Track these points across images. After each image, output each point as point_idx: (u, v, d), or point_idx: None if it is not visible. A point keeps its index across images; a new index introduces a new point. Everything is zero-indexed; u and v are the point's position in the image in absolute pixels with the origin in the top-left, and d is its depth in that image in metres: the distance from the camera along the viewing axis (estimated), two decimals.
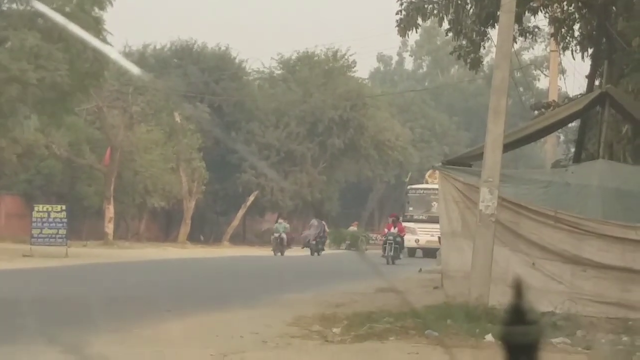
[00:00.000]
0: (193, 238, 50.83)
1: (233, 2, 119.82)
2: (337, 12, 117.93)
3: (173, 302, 14.90)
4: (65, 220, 31.51)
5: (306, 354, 9.98)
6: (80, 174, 46.34)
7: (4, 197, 45.22)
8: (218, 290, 19.30)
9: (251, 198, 54.42)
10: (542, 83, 63.27)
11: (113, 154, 44.49)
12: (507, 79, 13.43)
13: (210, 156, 50.89)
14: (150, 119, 47.33)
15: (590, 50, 19.61)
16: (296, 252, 42.64)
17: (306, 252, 42.29)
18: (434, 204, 40.22)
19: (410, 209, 43.41)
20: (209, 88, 53.99)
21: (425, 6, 18.42)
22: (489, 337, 10.54)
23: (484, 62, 25.20)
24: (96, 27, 30.92)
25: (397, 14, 18.52)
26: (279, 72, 60.44)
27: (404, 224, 41.51)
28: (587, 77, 19.72)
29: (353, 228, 52.74)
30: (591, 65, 19.38)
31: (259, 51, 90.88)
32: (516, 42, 18.10)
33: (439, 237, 18.54)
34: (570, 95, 25.63)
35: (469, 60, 19.33)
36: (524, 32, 19.91)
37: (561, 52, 22.32)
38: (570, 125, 24.27)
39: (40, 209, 32.06)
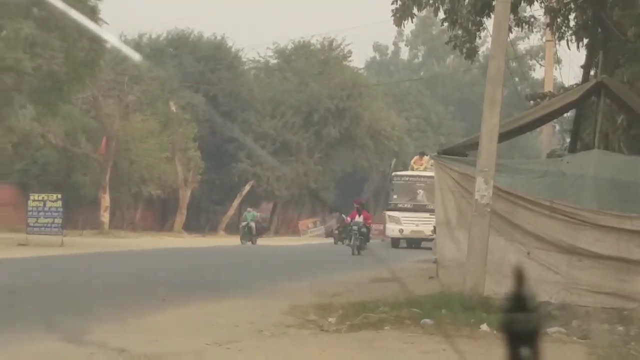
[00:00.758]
0: (189, 227, 50.83)
1: None
2: (332, 1, 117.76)
3: (169, 291, 14.91)
4: (61, 209, 31.47)
5: (302, 343, 10.00)
6: (76, 163, 46.30)
7: None
8: (214, 279, 19.33)
9: (247, 187, 54.43)
10: (538, 73, 63.29)
11: (109, 143, 44.47)
12: (502, 69, 13.43)
13: (205, 146, 50.87)
14: (145, 108, 47.27)
15: (585, 40, 19.61)
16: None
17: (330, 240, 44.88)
18: (420, 191, 39.43)
19: (395, 197, 40.76)
20: (204, 77, 53.93)
21: None
22: (484, 327, 10.57)
23: (480, 52, 25.15)
24: (92, 16, 30.82)
25: (392, 3, 18.47)
26: (275, 61, 60.38)
27: (388, 212, 40.72)
28: (582, 67, 19.71)
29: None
30: (587, 55, 19.39)
31: (254, 41, 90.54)
32: (512, 32, 18.03)
33: (434, 227, 18.52)
34: (566, 85, 25.58)
35: (464, 50, 19.31)
36: (520, 21, 19.87)
37: (557, 42, 22.27)
38: (565, 115, 24.26)
39: (36, 198, 32.01)
